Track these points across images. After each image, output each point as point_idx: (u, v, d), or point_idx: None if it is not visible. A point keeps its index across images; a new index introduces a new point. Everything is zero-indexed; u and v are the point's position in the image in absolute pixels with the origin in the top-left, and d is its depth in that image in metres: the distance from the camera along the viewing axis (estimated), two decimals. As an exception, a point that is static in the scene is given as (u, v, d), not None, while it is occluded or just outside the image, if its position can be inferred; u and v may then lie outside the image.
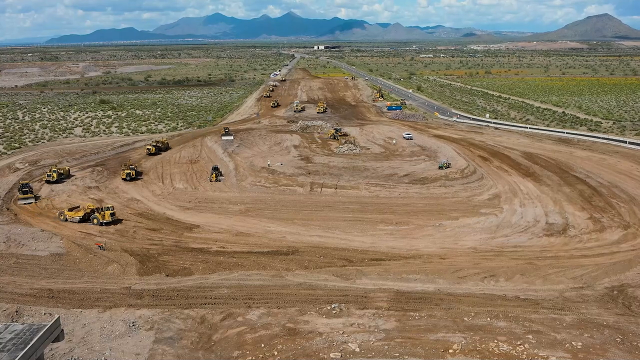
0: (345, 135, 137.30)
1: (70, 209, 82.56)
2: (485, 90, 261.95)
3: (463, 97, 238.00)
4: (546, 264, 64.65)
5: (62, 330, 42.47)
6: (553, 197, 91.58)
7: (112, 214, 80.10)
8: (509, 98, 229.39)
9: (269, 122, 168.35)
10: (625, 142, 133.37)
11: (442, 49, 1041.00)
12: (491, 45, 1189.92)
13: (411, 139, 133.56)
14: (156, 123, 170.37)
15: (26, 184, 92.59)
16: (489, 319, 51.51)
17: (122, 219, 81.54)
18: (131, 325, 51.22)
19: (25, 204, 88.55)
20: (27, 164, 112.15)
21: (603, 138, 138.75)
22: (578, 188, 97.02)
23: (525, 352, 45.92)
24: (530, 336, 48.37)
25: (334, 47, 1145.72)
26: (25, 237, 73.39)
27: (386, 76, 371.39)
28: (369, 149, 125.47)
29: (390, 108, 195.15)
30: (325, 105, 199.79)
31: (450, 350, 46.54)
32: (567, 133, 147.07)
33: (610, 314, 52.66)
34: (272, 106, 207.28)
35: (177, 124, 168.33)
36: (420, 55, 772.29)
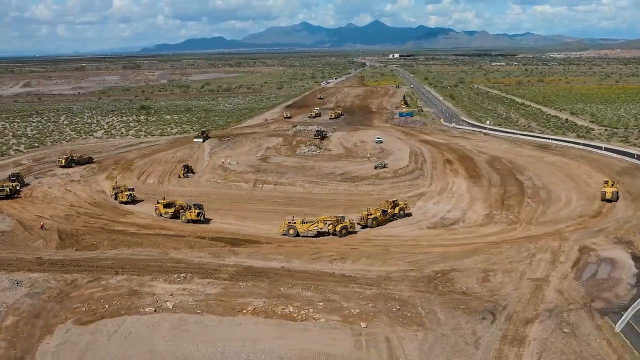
0: (323, 138, 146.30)
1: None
2: (514, 98, 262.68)
3: (488, 105, 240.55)
4: (399, 250, 72.04)
5: None
6: (474, 197, 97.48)
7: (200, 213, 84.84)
8: (530, 106, 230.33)
9: (275, 127, 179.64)
10: (601, 147, 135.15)
11: (521, 57, 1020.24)
12: (572, 53, 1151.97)
13: (381, 143, 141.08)
14: (173, 127, 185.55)
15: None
16: (300, 289, 60.07)
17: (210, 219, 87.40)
18: (16, 283, 63.34)
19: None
20: (31, 161, 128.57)
21: (581, 144, 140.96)
22: (508, 189, 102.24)
23: (304, 315, 54.41)
24: (322, 303, 56.64)
25: (408, 56, 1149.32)
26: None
27: (435, 84, 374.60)
28: (330, 150, 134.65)
29: (401, 114, 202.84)
30: (340, 112, 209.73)
31: (244, 311, 55.72)
32: (551, 139, 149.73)
33: (411, 290, 59.85)
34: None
35: (192, 128, 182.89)
36: (492, 64, 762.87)
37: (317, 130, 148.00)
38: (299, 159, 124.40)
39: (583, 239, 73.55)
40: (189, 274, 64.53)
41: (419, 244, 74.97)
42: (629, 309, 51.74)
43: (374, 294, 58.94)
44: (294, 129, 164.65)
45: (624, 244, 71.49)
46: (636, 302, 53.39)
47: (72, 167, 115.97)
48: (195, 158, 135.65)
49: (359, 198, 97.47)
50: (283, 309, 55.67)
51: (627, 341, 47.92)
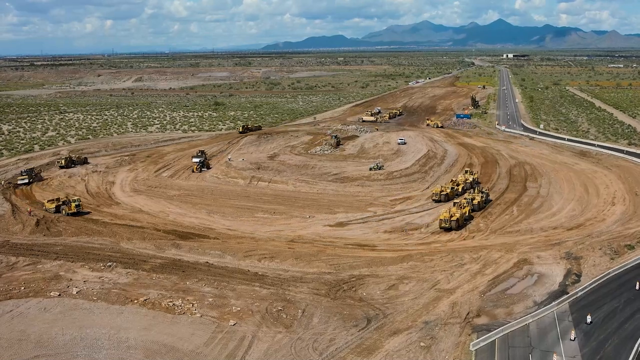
0: (339, 144, 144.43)
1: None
2: (595, 102, 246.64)
3: (563, 109, 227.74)
4: (332, 252, 71.29)
5: None
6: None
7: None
8: (605, 110, 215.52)
9: (321, 126, 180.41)
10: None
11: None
12: None
13: (403, 144, 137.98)
14: (228, 123, 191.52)
15: None
16: (203, 285, 61.42)
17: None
18: (-33, 262, 69.39)
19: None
20: (69, 152, 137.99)
21: (625, 152, 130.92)
22: (504, 196, 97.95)
23: (185, 309, 55.74)
24: (212, 299, 57.82)
25: (522, 56, 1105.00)
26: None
27: (527, 86, 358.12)
28: (344, 150, 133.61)
29: (458, 116, 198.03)
30: (396, 112, 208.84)
31: (135, 301, 57.93)
32: (596, 146, 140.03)
33: (309, 293, 59.31)
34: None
35: (245, 124, 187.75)
36: (609, 65, 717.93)
37: (334, 136, 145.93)
38: (305, 158, 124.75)
39: (531, 252, 69.23)
40: (115, 263, 67.58)
41: (361, 246, 73.69)
42: (499, 329, 48.65)
43: (269, 293, 59.11)
44: (334, 128, 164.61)
45: (570, 260, 66.59)
46: (514, 322, 50.08)
47: (71, 167, 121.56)
48: (224, 152, 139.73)
49: (340, 199, 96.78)
50: (169, 302, 57.29)
51: (472, 360, 45.30)
